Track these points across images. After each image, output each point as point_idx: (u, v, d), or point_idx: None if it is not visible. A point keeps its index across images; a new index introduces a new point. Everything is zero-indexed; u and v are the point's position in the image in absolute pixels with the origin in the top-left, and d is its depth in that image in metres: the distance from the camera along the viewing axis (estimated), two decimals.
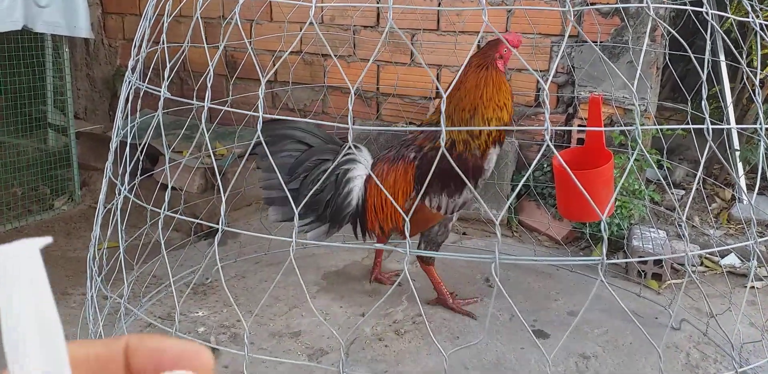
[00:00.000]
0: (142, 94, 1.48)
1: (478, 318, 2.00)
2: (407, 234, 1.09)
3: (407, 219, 1.08)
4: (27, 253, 0.25)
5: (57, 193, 2.87)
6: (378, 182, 1.24)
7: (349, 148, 1.91)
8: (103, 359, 0.27)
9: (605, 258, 1.10)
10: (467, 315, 2.00)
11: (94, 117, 3.88)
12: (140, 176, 1.73)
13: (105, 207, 1.46)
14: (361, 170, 1.95)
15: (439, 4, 2.88)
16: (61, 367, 0.25)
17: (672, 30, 1.45)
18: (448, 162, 1.85)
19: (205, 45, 1.28)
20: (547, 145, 1.03)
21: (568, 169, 1.20)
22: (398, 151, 1.97)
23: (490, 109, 1.83)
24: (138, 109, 1.54)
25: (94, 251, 1.46)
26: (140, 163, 1.53)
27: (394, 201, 1.26)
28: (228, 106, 1.66)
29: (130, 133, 1.42)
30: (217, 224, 1.12)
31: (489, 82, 1.83)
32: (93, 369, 0.27)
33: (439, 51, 2.91)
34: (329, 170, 1.87)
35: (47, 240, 0.26)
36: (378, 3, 2.96)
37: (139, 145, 1.53)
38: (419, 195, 1.67)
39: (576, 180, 1.19)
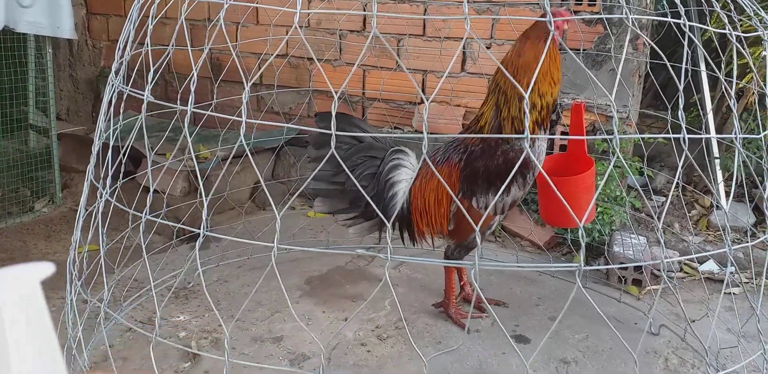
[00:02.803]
0: (125, 96, 1.47)
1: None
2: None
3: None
4: (28, 288, 0.25)
5: (37, 195, 2.83)
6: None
7: (394, 152, 1.92)
8: None
9: (583, 264, 1.12)
10: (462, 326, 1.98)
11: (77, 118, 3.84)
12: (122, 179, 1.72)
13: (86, 211, 1.45)
14: (406, 174, 1.93)
15: (425, 11, 2.90)
16: None
17: (651, 42, 1.47)
18: (493, 159, 1.85)
19: (189, 48, 1.28)
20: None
21: (547, 177, 1.22)
22: (444, 153, 1.93)
23: (546, 83, 1.76)
24: (121, 112, 1.53)
25: (75, 254, 1.44)
26: (122, 165, 1.53)
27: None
28: (213, 109, 1.66)
29: (113, 135, 1.42)
30: (200, 228, 1.12)
31: (548, 54, 1.74)
32: None
33: (425, 56, 2.93)
34: (377, 170, 1.87)
35: (49, 269, 0.25)
36: (364, 10, 2.97)
37: (122, 147, 1.52)
38: (473, 198, 1.63)
39: (555, 187, 1.21)
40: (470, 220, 1.24)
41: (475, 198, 1.84)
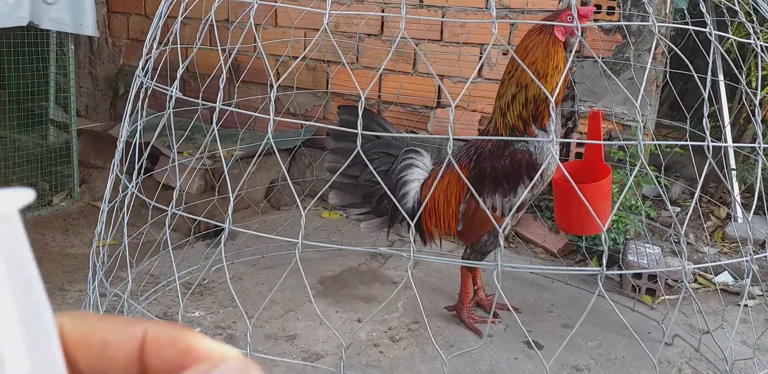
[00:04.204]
0: (149, 92, 1.49)
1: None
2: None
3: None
4: (4, 209, 0.20)
5: (56, 189, 2.86)
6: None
7: (408, 152, 1.93)
8: (112, 347, 0.22)
9: (605, 269, 1.12)
10: (475, 331, 1.98)
11: (96, 115, 3.88)
12: (142, 175, 1.74)
13: (109, 205, 1.46)
14: (418, 174, 1.95)
15: (443, 15, 2.92)
16: (52, 367, 0.20)
17: (675, 48, 1.48)
18: (500, 159, 1.85)
19: (219, 47, 1.30)
20: (550, 157, 1.05)
21: (572, 181, 1.22)
22: (457, 154, 1.94)
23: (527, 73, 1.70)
24: (145, 108, 1.55)
25: (99, 246, 1.46)
26: (143, 162, 1.54)
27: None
28: (233, 108, 1.67)
29: (139, 131, 1.44)
30: (218, 224, 1.13)
31: (538, 46, 1.73)
32: (94, 356, 0.22)
33: (442, 61, 2.94)
34: (390, 168, 1.89)
35: (28, 195, 0.20)
36: (383, 13, 2.99)
37: (143, 144, 1.54)
38: (480, 198, 1.62)
39: (579, 192, 1.21)
40: (489, 216, 1.24)
41: (482, 199, 1.85)
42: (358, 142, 1.08)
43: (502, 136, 1.81)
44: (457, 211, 1.89)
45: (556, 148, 1.84)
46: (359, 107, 1.11)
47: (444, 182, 1.91)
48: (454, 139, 1.12)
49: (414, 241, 1.98)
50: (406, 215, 1.11)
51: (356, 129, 1.70)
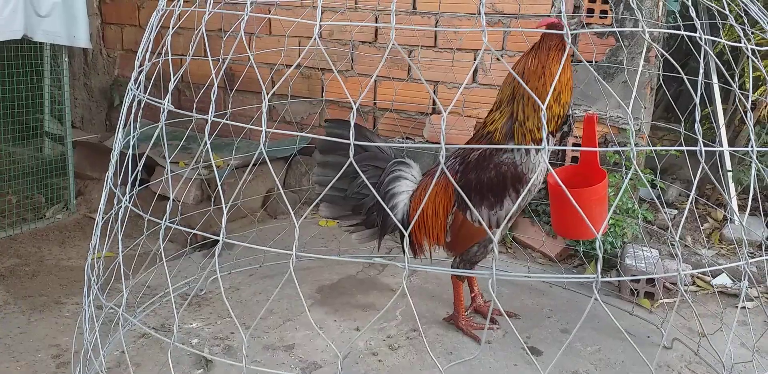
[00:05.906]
0: (143, 104, 1.49)
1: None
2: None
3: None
4: None
5: (52, 202, 2.86)
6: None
7: (396, 164, 1.93)
8: None
9: (600, 276, 1.11)
10: (473, 337, 1.98)
11: (91, 126, 3.88)
12: (138, 186, 1.73)
13: (103, 217, 1.46)
14: (406, 186, 1.95)
15: (437, 23, 2.93)
16: None
17: (665, 53, 1.48)
18: (485, 171, 1.85)
19: (210, 58, 1.30)
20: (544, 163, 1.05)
21: (564, 187, 1.22)
22: (446, 164, 1.92)
23: (535, 99, 1.73)
24: (139, 119, 1.55)
25: (93, 259, 1.46)
26: (138, 173, 1.54)
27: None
28: (227, 119, 1.67)
29: (132, 143, 1.43)
30: (214, 235, 1.13)
31: (549, 64, 1.72)
32: None
33: (436, 67, 2.95)
34: (377, 181, 1.90)
35: None
36: (376, 21, 3.00)
37: (138, 155, 1.54)
38: (469, 210, 1.62)
39: (571, 198, 1.21)
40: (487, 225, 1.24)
41: (469, 212, 1.84)
42: (351, 153, 1.08)
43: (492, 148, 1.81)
44: (445, 223, 1.89)
45: (545, 157, 1.82)
46: (351, 117, 1.11)
47: (432, 193, 1.91)
48: (451, 146, 1.12)
49: (407, 251, 1.99)
50: (400, 226, 1.11)
51: (343, 142, 1.71)
